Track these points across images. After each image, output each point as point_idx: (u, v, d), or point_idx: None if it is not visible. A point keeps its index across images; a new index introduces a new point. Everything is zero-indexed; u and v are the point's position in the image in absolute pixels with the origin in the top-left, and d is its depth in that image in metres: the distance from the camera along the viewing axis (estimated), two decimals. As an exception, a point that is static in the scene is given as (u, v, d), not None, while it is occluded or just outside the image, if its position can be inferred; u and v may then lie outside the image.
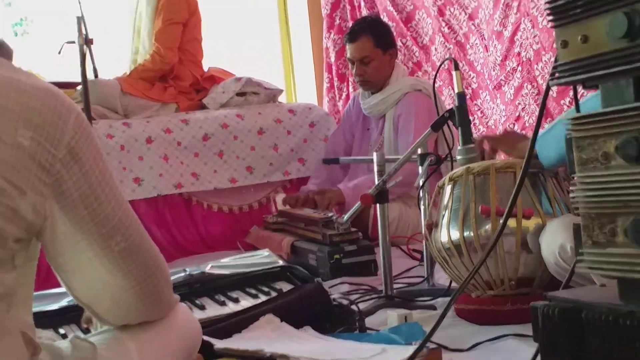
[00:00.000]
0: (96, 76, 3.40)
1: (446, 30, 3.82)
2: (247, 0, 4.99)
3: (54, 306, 1.76)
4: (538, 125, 1.26)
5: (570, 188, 0.95)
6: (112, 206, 1.07)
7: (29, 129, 0.96)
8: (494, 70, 3.45)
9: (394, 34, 3.51)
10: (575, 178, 0.95)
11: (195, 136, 3.48)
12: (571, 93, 1.13)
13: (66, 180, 1.00)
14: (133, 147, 3.32)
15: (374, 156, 2.21)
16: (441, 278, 2.19)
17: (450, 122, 2.09)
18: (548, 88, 1.16)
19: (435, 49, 3.93)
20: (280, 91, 3.98)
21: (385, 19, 4.09)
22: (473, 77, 3.64)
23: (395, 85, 3.28)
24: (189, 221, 3.48)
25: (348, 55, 3.36)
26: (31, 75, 1.03)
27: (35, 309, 1.15)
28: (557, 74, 0.96)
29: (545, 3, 0.96)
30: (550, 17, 0.95)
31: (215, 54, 4.14)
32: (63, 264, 1.08)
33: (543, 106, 1.21)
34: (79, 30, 3.19)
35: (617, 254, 0.88)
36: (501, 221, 1.32)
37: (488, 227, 1.81)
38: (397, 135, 3.24)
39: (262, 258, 2.15)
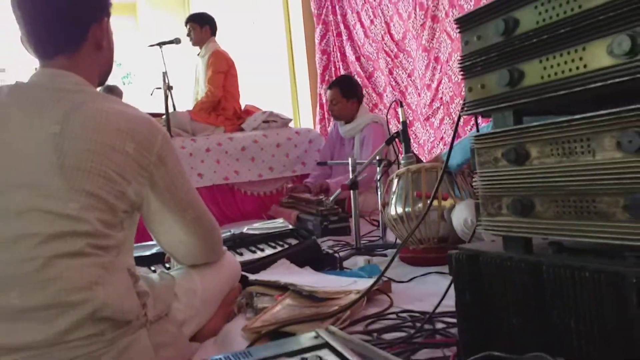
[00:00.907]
0: (174, 109, 3.39)
1: (394, 83, 3.80)
2: (270, 63, 4.98)
3: (148, 252, 1.75)
4: (452, 142, 1.25)
5: (473, 180, 0.95)
6: (185, 191, 1.07)
7: (133, 142, 0.95)
8: (424, 109, 3.44)
9: (360, 86, 3.45)
10: (476, 173, 0.94)
11: (237, 148, 3.45)
12: (472, 121, 1.13)
13: (156, 175, 1.00)
14: (197, 154, 3.29)
15: (349, 160, 2.21)
16: (390, 237, 2.19)
17: (397, 140, 2.09)
18: (459, 118, 1.15)
19: (387, 95, 3.91)
20: (290, 120, 3.96)
21: (355, 76, 4.08)
22: (410, 113, 3.63)
23: (360, 119, 3.25)
24: (232, 201, 3.45)
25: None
26: (134, 108, 1.02)
27: (136, 254, 1.14)
28: (465, 109, 0.96)
29: (459, 64, 0.95)
30: (462, 73, 0.95)
31: (251, 95, 4.14)
32: (154, 227, 1.08)
33: (455, 130, 1.21)
34: (164, 80, 3.19)
35: (502, 221, 0.88)
36: (428, 202, 1.31)
37: (420, 205, 1.81)
38: (362, 149, 3.24)
39: (279, 224, 2.15)
